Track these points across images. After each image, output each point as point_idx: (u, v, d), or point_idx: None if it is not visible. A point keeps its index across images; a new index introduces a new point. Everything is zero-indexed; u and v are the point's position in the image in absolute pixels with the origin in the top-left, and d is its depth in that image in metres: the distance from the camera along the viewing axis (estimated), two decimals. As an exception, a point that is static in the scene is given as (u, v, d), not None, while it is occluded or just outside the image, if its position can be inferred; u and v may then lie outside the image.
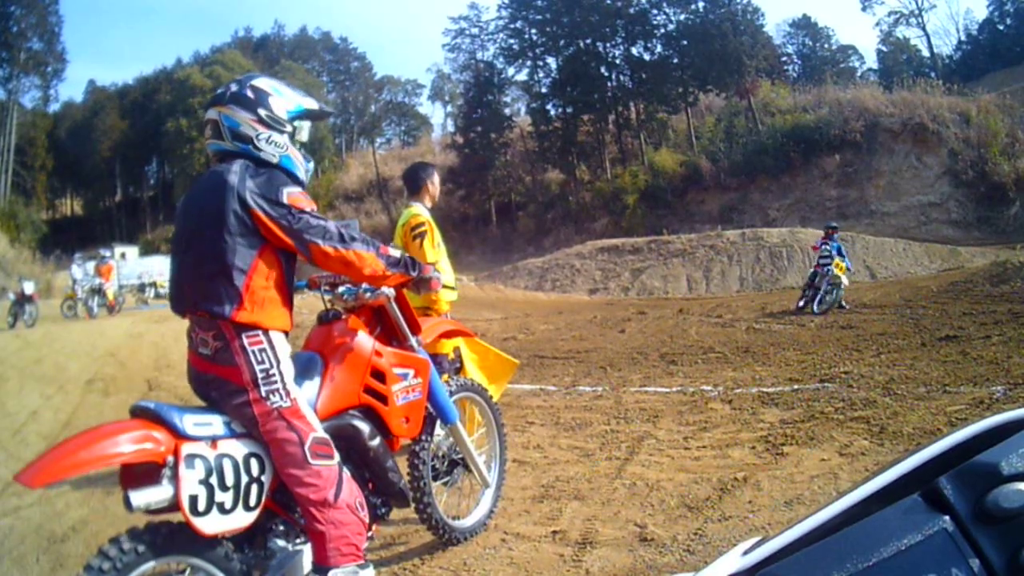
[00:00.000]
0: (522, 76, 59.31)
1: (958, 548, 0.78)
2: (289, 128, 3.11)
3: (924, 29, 63.23)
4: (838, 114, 42.95)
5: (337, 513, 2.93)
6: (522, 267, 33.29)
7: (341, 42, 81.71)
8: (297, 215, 2.92)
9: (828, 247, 17.69)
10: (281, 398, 2.86)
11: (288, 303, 3.07)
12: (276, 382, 2.86)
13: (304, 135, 3.23)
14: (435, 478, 4.24)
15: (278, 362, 2.90)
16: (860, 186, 40.26)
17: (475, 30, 60.24)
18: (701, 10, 51.22)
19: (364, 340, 3.51)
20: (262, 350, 2.88)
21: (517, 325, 18.61)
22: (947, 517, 0.80)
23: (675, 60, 52.51)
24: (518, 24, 57.27)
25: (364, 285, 3.57)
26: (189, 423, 2.71)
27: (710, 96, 51.87)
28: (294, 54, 77.93)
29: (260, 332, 2.89)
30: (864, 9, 63.33)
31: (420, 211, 6.06)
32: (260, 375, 2.84)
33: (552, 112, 56.17)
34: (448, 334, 4.90)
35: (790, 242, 27.75)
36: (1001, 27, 66.23)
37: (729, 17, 49.42)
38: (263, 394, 2.83)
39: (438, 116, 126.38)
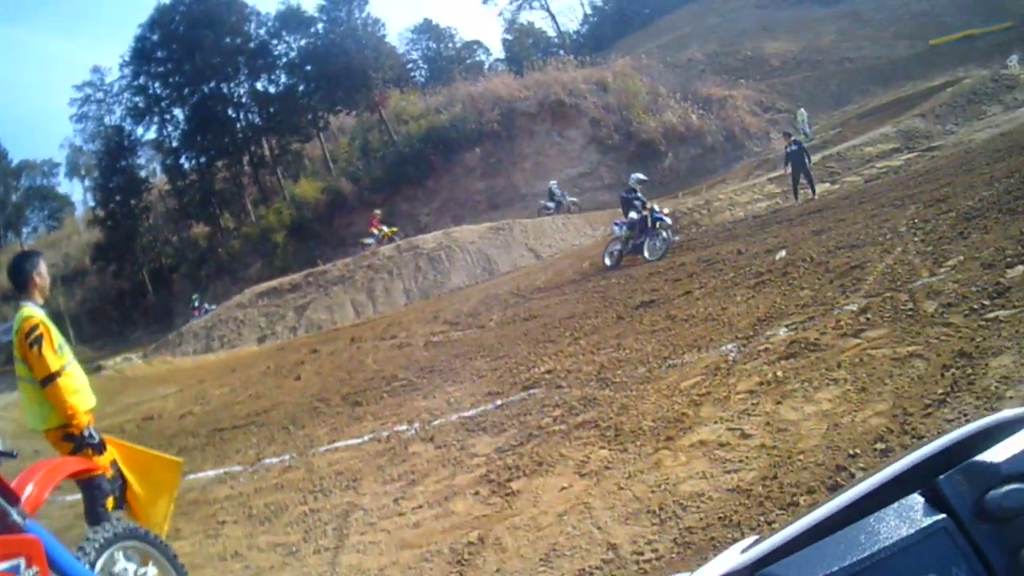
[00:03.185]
0: (152, 134, 56.10)
1: (958, 548, 0.78)
2: None
3: (548, 10, 65.88)
4: (472, 108, 43.20)
5: None
6: (187, 331, 31.06)
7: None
8: None
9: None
10: None
11: None
12: None
13: None
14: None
15: None
16: (507, 173, 40.67)
17: (100, 95, 56.57)
18: (321, 31, 50.40)
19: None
20: None
21: (192, 396, 17.23)
22: (947, 516, 0.80)
23: (301, 87, 51.62)
24: (142, 80, 54.08)
25: None
26: None
27: (341, 117, 51.35)
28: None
29: None
30: (485, 2, 64.48)
31: (33, 311, 4.96)
32: None
33: (186, 165, 53.66)
34: (58, 471, 4.09)
35: (447, 243, 27.36)
36: None
37: (350, 33, 48.88)
38: None
39: (79, 192, 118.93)
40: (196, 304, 35.90)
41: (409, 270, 26.78)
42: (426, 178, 42.26)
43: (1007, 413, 0.88)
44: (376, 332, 18.39)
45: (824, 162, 22.80)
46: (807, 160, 20.48)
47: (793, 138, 21.43)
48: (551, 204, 32.39)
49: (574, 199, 33.54)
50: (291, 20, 51.04)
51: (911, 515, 0.80)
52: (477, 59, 70.96)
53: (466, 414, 7.95)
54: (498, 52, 72.35)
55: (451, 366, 11.12)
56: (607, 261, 17.75)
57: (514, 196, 38.18)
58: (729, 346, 7.71)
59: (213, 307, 33.36)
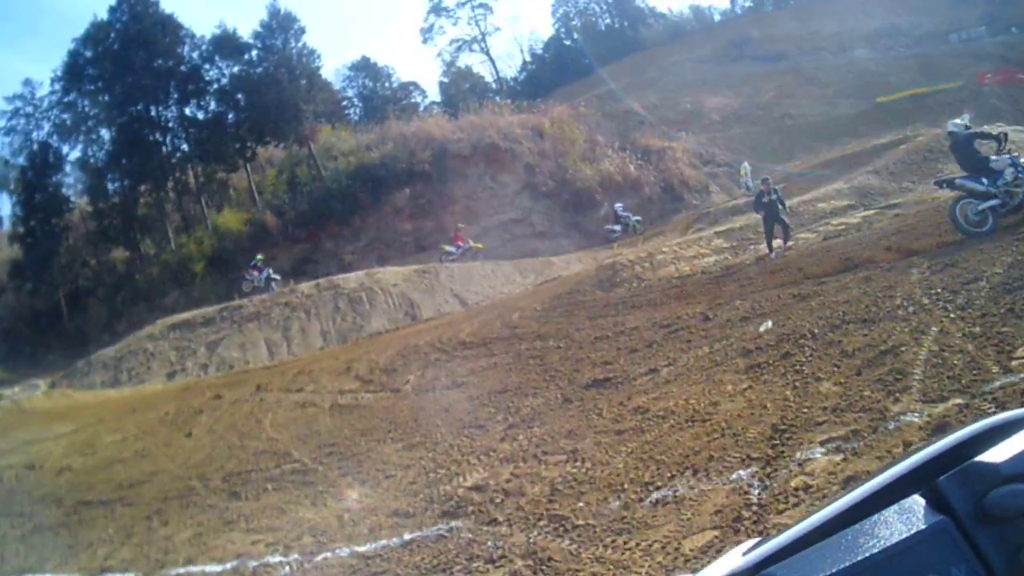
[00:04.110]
0: (77, 152, 54.47)
1: (958, 548, 0.79)
2: None
3: (488, 54, 66.08)
4: (404, 148, 42.58)
5: None
6: (96, 361, 29.28)
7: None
8: None
9: None
10: None
11: None
12: None
13: None
14: None
15: None
16: (436, 215, 39.97)
17: (30, 109, 54.51)
18: (255, 59, 49.43)
19: None
20: None
21: (84, 440, 16.01)
22: (947, 517, 0.81)
23: (231, 116, 50.40)
24: (72, 97, 52.41)
25: None
26: None
27: (269, 148, 50.26)
28: None
29: None
30: (425, 42, 64.92)
31: None
32: None
33: (110, 187, 51.95)
34: None
35: (368, 284, 26.47)
36: (568, 42, 72.35)
37: (284, 63, 48.07)
38: None
39: (6, 207, 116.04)
40: (259, 264, 32.72)
41: (328, 310, 25.77)
42: (352, 216, 41.44)
43: (1007, 414, 0.89)
44: (285, 380, 17.23)
45: None
46: (783, 208, 19.00)
47: (772, 185, 19.38)
48: (616, 227, 31.59)
49: (639, 217, 32.81)
50: (225, 45, 50.12)
51: (912, 516, 0.81)
52: (413, 100, 70.77)
53: (360, 549, 6.55)
54: (434, 95, 72.47)
55: (354, 449, 9.89)
56: None
57: (442, 239, 36.91)
58: (743, 473, 6.12)
59: (277, 278, 31.63)
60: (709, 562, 0.95)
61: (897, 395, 6.79)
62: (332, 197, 41.87)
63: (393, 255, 36.65)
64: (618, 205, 32.73)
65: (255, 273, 31.39)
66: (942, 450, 0.87)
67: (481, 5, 67.01)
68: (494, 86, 66.20)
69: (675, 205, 37.55)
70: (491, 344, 14.83)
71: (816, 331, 9.59)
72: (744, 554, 0.90)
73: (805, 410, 7.18)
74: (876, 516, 0.82)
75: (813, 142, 40.11)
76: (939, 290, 9.71)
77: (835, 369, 8.07)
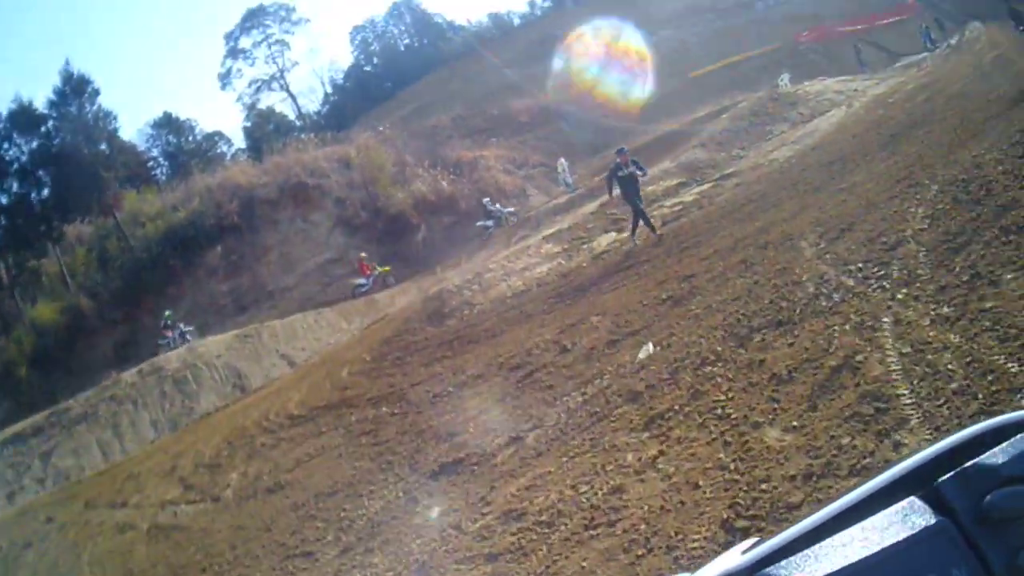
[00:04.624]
0: None
1: (958, 550, 0.80)
2: None
3: (289, 91, 65.09)
4: (210, 202, 41.33)
5: None
6: None
7: None
8: None
9: None
10: None
11: None
12: None
13: None
14: None
15: None
16: (251, 270, 38.96)
17: None
18: (52, 130, 47.02)
19: None
20: None
21: None
22: (947, 519, 0.82)
23: (34, 195, 47.70)
24: None
25: None
26: None
27: (77, 225, 47.32)
28: None
29: None
30: (224, 87, 63.58)
31: None
32: None
33: None
34: None
35: (191, 361, 25.30)
36: (368, 68, 71.69)
37: (81, 129, 46.17)
38: None
39: None
40: (169, 323, 31.01)
41: (154, 397, 24.63)
42: (167, 286, 39.60)
43: (1007, 416, 0.89)
44: (113, 489, 16.26)
45: (604, 210, 20.47)
46: (643, 173, 16.77)
47: (631, 157, 16.87)
48: (489, 222, 30.93)
49: (511, 209, 32.44)
50: (22, 120, 47.40)
51: (911, 517, 0.81)
52: (219, 151, 68.72)
53: None
54: (239, 142, 70.73)
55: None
56: None
57: (261, 295, 36.65)
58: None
59: (190, 329, 30.28)
60: (708, 561, 0.94)
61: (894, 436, 4.90)
62: (144, 268, 40.20)
63: (214, 321, 35.58)
64: (486, 200, 32.57)
65: (168, 334, 30.01)
66: (942, 451, 0.88)
67: (278, 42, 66.74)
68: (298, 123, 65.62)
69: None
70: (319, 417, 13.26)
71: (719, 349, 7.57)
72: (743, 553, 0.90)
73: (761, 485, 5.13)
74: (876, 517, 0.84)
75: (630, 126, 40.30)
76: (858, 263, 7.96)
77: (774, 405, 5.99)
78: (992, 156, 9.30)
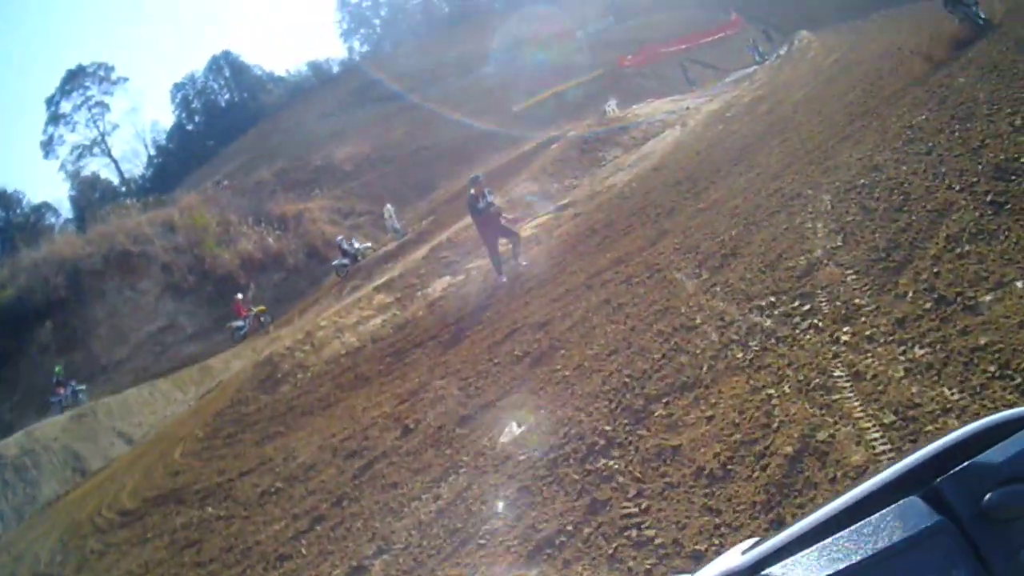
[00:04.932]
0: None
1: (958, 549, 0.80)
2: None
3: (111, 155, 63.70)
4: (37, 277, 40.00)
5: None
6: None
7: None
8: None
9: None
10: None
11: None
12: None
13: None
14: None
15: None
16: (84, 345, 37.83)
17: None
18: None
19: None
20: None
21: None
22: (947, 518, 0.82)
23: None
24: None
25: None
26: None
27: None
28: None
29: None
30: (47, 155, 61.83)
31: None
32: None
33: None
34: None
35: (29, 446, 24.30)
36: (190, 127, 70.78)
37: None
38: None
39: None
40: (60, 378, 29.21)
41: (-4, 487, 24.20)
42: (1, 368, 38.21)
43: (1006, 414, 0.89)
44: None
45: (435, 253, 19.18)
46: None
47: (484, 184, 14.56)
48: (345, 260, 29.36)
49: (368, 244, 31.71)
50: None
51: (911, 516, 0.82)
52: (47, 222, 66.11)
53: None
54: (67, 211, 68.52)
55: None
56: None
57: (96, 369, 35.76)
58: None
59: (83, 388, 28.79)
60: (708, 561, 0.95)
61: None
62: (-26, 351, 38.74)
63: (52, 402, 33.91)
64: (339, 238, 31.58)
65: (60, 391, 28.63)
66: (941, 450, 0.88)
67: (98, 104, 65.64)
68: (123, 189, 64.39)
69: (323, 268, 36.34)
70: (148, 515, 11.54)
71: (607, 429, 5.78)
72: (743, 553, 0.92)
73: None
74: (876, 516, 0.84)
75: (454, 167, 40.36)
76: (767, 296, 6.44)
77: (716, 520, 4.25)
78: (886, 157, 8.20)
